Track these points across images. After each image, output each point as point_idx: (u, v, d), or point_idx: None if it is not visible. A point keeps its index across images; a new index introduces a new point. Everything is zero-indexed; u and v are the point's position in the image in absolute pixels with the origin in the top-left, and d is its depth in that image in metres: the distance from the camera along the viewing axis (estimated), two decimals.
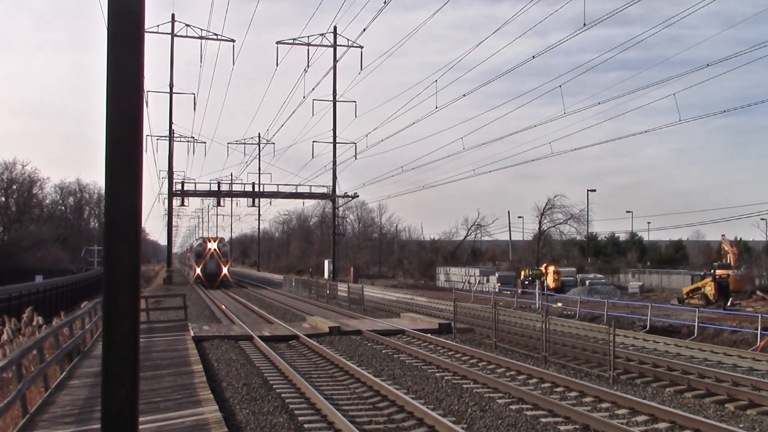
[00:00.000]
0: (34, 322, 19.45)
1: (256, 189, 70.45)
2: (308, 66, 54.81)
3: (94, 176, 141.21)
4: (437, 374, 15.34)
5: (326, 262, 68.53)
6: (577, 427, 10.65)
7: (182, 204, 73.62)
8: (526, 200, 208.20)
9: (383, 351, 19.11)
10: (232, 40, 61.45)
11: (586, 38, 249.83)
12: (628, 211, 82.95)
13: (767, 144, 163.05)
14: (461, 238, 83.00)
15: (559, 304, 34.69)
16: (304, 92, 52.44)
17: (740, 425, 10.90)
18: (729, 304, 33.21)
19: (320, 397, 12.29)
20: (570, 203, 66.06)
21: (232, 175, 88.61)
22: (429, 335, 21.63)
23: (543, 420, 11.04)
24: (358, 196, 67.14)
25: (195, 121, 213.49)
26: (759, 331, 20.56)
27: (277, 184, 69.89)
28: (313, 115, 62.80)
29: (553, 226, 67.13)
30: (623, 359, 16.73)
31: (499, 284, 51.16)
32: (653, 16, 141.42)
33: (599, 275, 51.97)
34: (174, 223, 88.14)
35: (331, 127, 63.11)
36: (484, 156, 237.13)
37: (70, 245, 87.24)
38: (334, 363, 16.94)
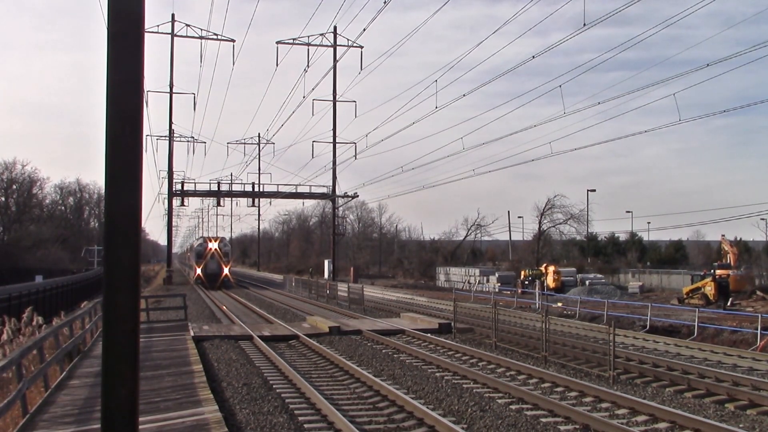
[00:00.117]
0: (34, 322, 19.44)
1: (256, 189, 70.45)
2: (308, 66, 54.86)
3: (94, 176, 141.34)
4: (437, 374, 15.34)
5: (326, 262, 68.52)
6: (577, 427, 10.65)
7: (182, 204, 73.63)
8: (526, 200, 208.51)
9: (383, 351, 19.11)
10: (232, 40, 61.53)
11: (586, 38, 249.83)
12: (628, 211, 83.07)
13: (767, 144, 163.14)
14: (461, 238, 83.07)
15: (559, 304, 34.69)
16: (304, 92, 52.53)
17: (740, 425, 10.90)
18: (729, 304, 33.21)
19: (320, 397, 12.29)
20: (570, 203, 66.15)
21: (232, 175, 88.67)
22: (429, 335, 21.64)
23: (543, 420, 11.04)
24: (358, 196, 67.21)
25: (195, 121, 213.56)
26: (759, 331, 20.56)
27: (277, 184, 69.93)
28: (313, 115, 62.90)
29: (553, 226, 67.19)
30: (623, 359, 16.73)
31: (499, 284, 51.16)
32: (653, 16, 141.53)
33: (599, 275, 51.97)
34: (174, 223, 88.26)
35: (331, 127, 63.16)
36: (484, 156, 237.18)
37: (70, 245, 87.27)
38: (334, 363, 16.94)
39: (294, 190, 67.92)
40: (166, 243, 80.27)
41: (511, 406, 12.04)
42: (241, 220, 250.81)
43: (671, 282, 49.59)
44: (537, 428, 10.57)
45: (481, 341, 20.88)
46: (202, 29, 63.71)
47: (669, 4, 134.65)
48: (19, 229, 77.35)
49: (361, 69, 55.84)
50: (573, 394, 13.23)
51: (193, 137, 73.14)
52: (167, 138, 65.47)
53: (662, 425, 10.81)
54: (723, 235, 46.88)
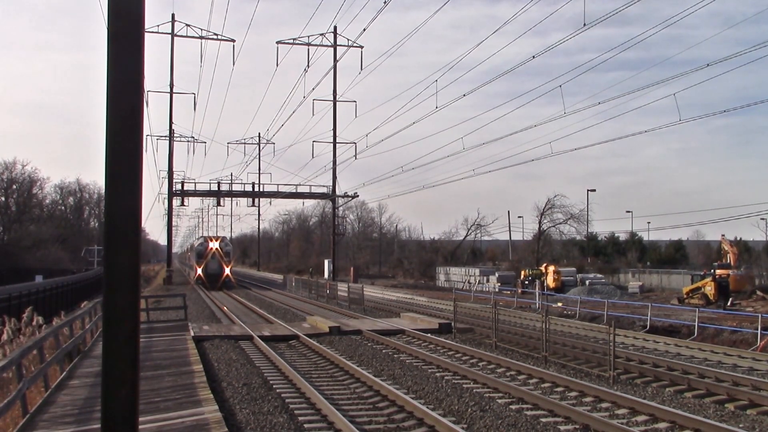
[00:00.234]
0: (34, 322, 19.44)
1: (256, 189, 70.42)
2: (308, 66, 54.88)
3: (94, 176, 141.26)
4: (437, 374, 15.34)
5: (326, 262, 68.49)
6: (577, 427, 10.65)
7: (182, 204, 73.62)
8: (526, 200, 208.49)
9: (383, 351, 19.11)
10: (232, 40, 61.49)
11: (586, 38, 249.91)
12: (628, 211, 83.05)
13: (767, 144, 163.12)
14: (461, 238, 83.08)
15: (559, 304, 34.69)
16: (304, 92, 52.69)
17: (740, 425, 10.90)
18: (729, 304, 33.21)
19: (320, 397, 12.29)
20: (570, 203, 66.13)
21: (232, 175, 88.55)
22: (429, 335, 21.63)
23: (543, 420, 11.04)
24: (358, 196, 67.19)
25: (195, 121, 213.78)
26: (759, 331, 20.56)
27: (277, 184, 69.90)
28: (313, 115, 62.84)
29: (553, 226, 67.17)
30: (623, 359, 16.73)
31: (499, 284, 51.16)
32: (653, 16, 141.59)
33: (599, 275, 51.96)
34: (174, 223, 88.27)
35: (331, 127, 63.14)
36: (484, 156, 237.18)
37: (70, 245, 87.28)
38: (334, 363, 16.94)
39: (294, 190, 67.91)
40: (166, 243, 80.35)
41: (511, 406, 12.04)
42: (241, 220, 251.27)
43: (671, 282, 49.59)
44: (537, 428, 10.57)
45: (481, 341, 20.88)
46: (202, 29, 63.72)
47: (669, 4, 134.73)
48: (19, 229, 77.35)
49: (361, 69, 55.88)
50: (573, 394, 13.23)
51: (193, 137, 73.21)
52: (167, 138, 65.51)
53: (662, 425, 10.81)
54: (723, 235, 46.87)
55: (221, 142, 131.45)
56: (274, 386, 13.90)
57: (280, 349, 19.53)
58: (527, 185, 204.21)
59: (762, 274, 43.19)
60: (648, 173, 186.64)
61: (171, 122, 65.30)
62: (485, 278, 54.34)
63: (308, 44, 58.70)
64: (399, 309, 34.83)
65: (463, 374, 15.16)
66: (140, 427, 3.84)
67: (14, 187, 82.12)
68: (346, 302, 39.54)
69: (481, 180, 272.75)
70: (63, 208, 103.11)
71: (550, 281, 46.78)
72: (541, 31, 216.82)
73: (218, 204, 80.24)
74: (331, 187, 65.13)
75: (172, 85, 64.05)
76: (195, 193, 70.59)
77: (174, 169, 66.35)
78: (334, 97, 62.27)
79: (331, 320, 26.03)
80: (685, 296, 36.21)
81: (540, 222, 66.14)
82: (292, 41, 59.32)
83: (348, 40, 56.29)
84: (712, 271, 37.20)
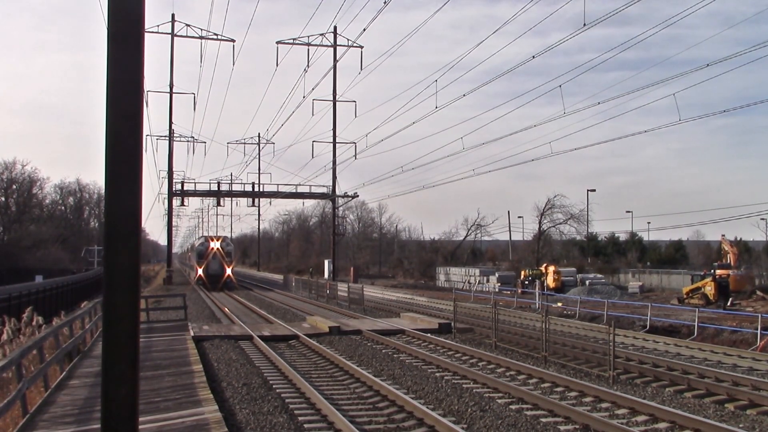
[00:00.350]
0: (34, 322, 19.44)
1: (256, 189, 70.40)
2: (308, 66, 54.81)
3: (94, 176, 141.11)
4: (437, 374, 15.34)
5: (326, 262, 68.47)
6: (577, 427, 10.65)
7: (182, 204, 73.58)
8: (526, 200, 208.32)
9: (383, 351, 19.11)
10: (232, 40, 61.42)
11: (586, 38, 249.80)
12: (628, 211, 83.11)
13: (767, 144, 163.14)
14: (461, 238, 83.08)
15: (559, 304, 34.69)
16: (304, 92, 52.33)
17: (740, 425, 10.90)
18: (729, 304, 33.21)
19: (320, 397, 12.29)
20: (570, 203, 66.17)
21: (232, 175, 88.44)
22: (429, 335, 21.64)
23: (543, 420, 11.04)
24: (358, 196, 67.16)
25: (195, 121, 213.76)
26: (759, 331, 20.57)
27: (277, 184, 69.85)
28: (313, 115, 62.80)
29: (553, 226, 67.20)
30: (623, 359, 16.74)
31: (499, 284, 51.16)
32: (653, 16, 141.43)
33: (599, 275, 51.97)
34: (174, 223, 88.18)
35: (331, 127, 63.12)
36: (484, 156, 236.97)
37: (70, 245, 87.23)
38: (334, 363, 16.94)
39: (294, 190, 67.88)
40: (166, 243, 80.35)
41: (511, 406, 12.05)
42: (241, 220, 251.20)
43: (671, 282, 49.58)
44: (537, 428, 10.57)
45: (481, 341, 20.88)
46: (202, 29, 63.67)
47: (669, 4, 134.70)
48: (19, 229, 77.34)
49: (361, 69, 55.84)
50: (573, 394, 13.23)
51: (193, 137, 73.15)
52: (167, 138, 65.45)
53: (662, 425, 10.81)
54: (723, 235, 46.89)
55: (221, 142, 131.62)
56: (273, 386, 13.90)
57: (280, 349, 19.53)
58: (527, 185, 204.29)
59: (762, 274, 43.21)
60: (648, 173, 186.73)
61: (171, 122, 65.33)
62: (485, 278, 54.34)
63: (308, 44, 58.69)
64: (399, 309, 34.84)
65: (463, 374, 15.16)
66: (140, 427, 3.84)
67: (14, 187, 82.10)
68: (346, 302, 39.54)
69: (481, 180, 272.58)
70: (63, 208, 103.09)
71: (550, 281, 46.79)
72: (541, 31, 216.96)
73: (218, 204, 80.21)
74: (331, 187, 65.12)
75: (172, 85, 64.07)
76: (195, 193, 70.56)
77: (174, 169, 66.38)
78: (334, 97, 62.28)
79: (331, 320, 26.04)
80: (685, 296, 36.21)
81: (540, 222, 66.21)
82: (292, 41, 59.32)
83: (348, 40, 56.31)
84: (712, 271, 37.21)
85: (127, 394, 3.57)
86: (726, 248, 41.77)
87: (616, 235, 77.42)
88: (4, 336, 17.44)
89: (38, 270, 60.62)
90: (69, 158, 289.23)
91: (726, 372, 15.26)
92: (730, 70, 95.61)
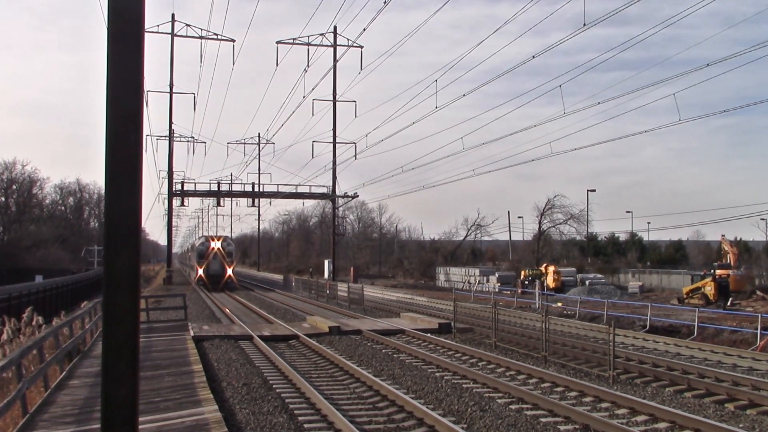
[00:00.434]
0: (34, 322, 19.45)
1: (256, 189, 70.39)
2: (308, 66, 54.81)
3: (94, 176, 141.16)
4: (437, 374, 15.34)
5: (326, 262, 68.46)
6: (577, 427, 10.66)
7: (182, 204, 73.55)
8: (526, 200, 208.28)
9: (383, 351, 19.11)
10: (232, 40, 61.41)
11: (586, 38, 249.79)
12: (628, 211, 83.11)
13: (767, 144, 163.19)
14: (461, 238, 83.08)
15: (559, 304, 34.70)
16: (304, 92, 52.35)
17: (740, 425, 10.90)
18: (729, 304, 33.22)
19: (320, 396, 12.29)
20: (570, 203, 66.19)
21: (232, 175, 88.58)
22: (429, 335, 21.64)
23: (543, 420, 11.04)
24: (358, 196, 67.14)
25: (195, 121, 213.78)
26: (759, 331, 20.57)
27: (277, 184, 69.84)
28: (313, 115, 62.75)
29: (553, 226, 67.21)
30: (623, 359, 16.74)
31: (499, 284, 51.16)
32: (653, 16, 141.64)
33: (599, 275, 51.96)
34: (174, 223, 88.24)
35: (331, 127, 63.12)
36: (484, 156, 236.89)
37: (70, 245, 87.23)
38: (334, 363, 16.94)
39: (294, 190, 67.87)
40: (166, 243, 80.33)
41: (511, 406, 12.05)
42: (241, 220, 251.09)
43: (671, 282, 49.57)
44: (537, 428, 10.57)
45: (481, 341, 20.88)
46: (202, 29, 63.66)
47: (669, 4, 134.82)
48: (19, 229, 77.36)
49: (361, 69, 55.83)
50: (573, 394, 13.23)
51: (193, 137, 73.13)
52: (167, 138, 65.44)
53: (662, 425, 10.81)
54: (723, 235, 46.92)
55: (221, 142, 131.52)
56: (273, 386, 13.91)
57: (280, 349, 19.53)
58: (527, 185, 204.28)
59: (762, 274, 43.22)
60: (648, 173, 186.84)
61: (171, 122, 65.32)
62: (485, 278, 54.34)
63: (308, 44, 58.67)
64: (399, 309, 34.84)
65: (462, 374, 15.16)
66: (140, 427, 3.84)
67: (14, 187, 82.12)
68: (346, 302, 39.54)
69: (481, 180, 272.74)
70: (63, 208, 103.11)
71: (550, 281, 46.79)
72: (541, 31, 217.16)
73: (218, 204, 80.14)
74: (331, 187, 65.11)
75: (171, 85, 64.07)
76: (195, 193, 70.56)
77: (174, 169, 66.35)
78: (334, 97, 62.27)
79: (331, 320, 26.04)
80: (685, 296, 36.21)
81: (540, 222, 66.22)
82: (292, 41, 59.30)
83: (348, 40, 56.32)
84: (712, 271, 37.22)
85: (127, 394, 3.57)
86: (726, 248, 41.78)
87: (616, 235, 77.53)
88: (4, 336, 17.45)
89: (38, 270, 60.62)
90: (69, 158, 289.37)
91: (726, 372, 15.26)
92: (730, 70, 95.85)
